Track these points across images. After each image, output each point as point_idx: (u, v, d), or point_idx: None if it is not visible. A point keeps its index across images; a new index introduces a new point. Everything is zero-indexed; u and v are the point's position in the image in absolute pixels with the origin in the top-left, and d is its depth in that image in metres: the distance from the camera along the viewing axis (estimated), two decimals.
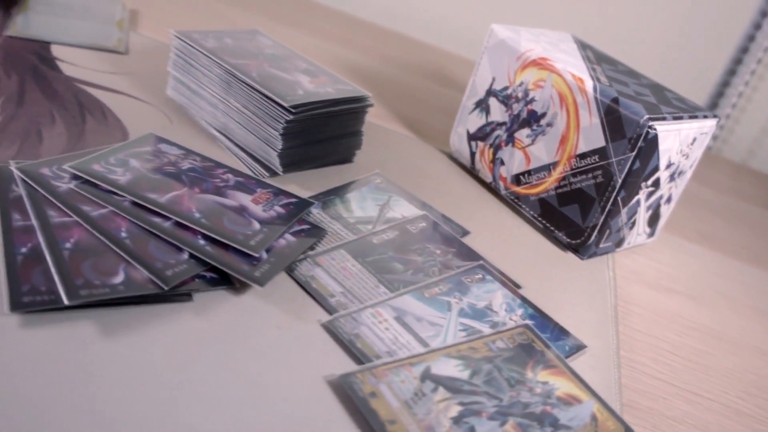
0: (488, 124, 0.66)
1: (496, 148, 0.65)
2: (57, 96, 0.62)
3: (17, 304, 0.41)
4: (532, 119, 0.62)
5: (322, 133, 0.60)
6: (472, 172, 0.69)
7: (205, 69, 0.61)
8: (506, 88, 0.64)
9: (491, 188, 0.67)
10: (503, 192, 0.65)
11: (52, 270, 0.43)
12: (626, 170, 0.57)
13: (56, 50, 0.69)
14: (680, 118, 0.58)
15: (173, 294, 0.45)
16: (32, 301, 0.42)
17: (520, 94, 0.63)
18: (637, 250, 0.67)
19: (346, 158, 0.64)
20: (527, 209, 0.64)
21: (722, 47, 1.03)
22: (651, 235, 0.66)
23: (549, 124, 0.61)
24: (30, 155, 0.53)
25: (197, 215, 0.50)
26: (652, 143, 0.56)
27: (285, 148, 0.58)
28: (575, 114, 0.59)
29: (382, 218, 0.58)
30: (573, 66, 0.61)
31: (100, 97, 0.63)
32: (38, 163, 0.52)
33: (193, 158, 0.57)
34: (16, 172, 0.50)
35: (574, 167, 0.60)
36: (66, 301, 0.41)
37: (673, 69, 1.05)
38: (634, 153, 0.56)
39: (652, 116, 0.56)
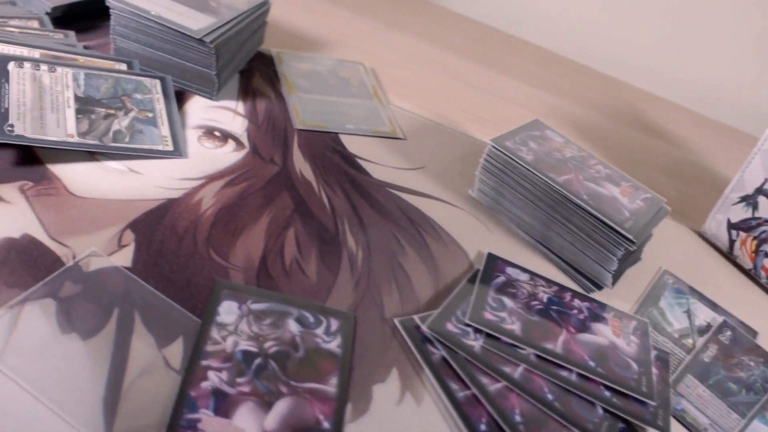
0: (754, 218, 0.71)
1: (761, 241, 0.71)
2: (385, 211, 0.62)
3: None
4: None
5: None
6: (728, 256, 0.74)
7: (525, 182, 0.63)
8: None
9: (749, 274, 0.73)
10: (763, 280, 0.72)
11: None
12: None
13: (346, 142, 0.69)
14: None
15: None
16: None
17: None
18: None
19: (638, 257, 0.68)
20: None
21: None
22: None
23: None
24: (411, 299, 0.55)
25: (592, 364, 0.54)
26: None
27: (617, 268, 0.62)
28: None
29: (695, 328, 0.64)
30: None
31: (416, 204, 0.64)
32: (439, 318, 0.54)
33: (540, 284, 0.60)
34: (428, 333, 0.52)
35: None
36: None
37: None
38: None
39: None
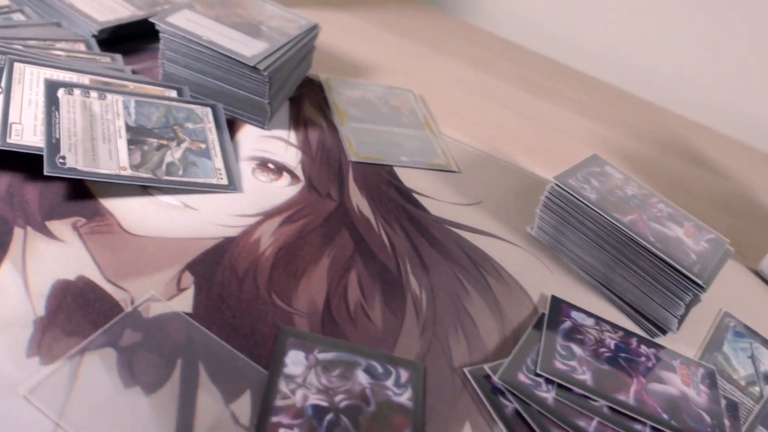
0: None
1: None
2: (446, 250, 0.60)
3: None
4: None
5: None
6: None
7: (589, 222, 0.61)
8: None
9: None
10: None
11: None
12: None
13: (402, 175, 0.67)
14: None
15: None
16: None
17: None
18: None
19: (699, 298, 0.66)
20: None
21: None
22: None
23: None
24: (479, 346, 0.53)
25: (665, 416, 0.52)
26: None
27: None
28: None
29: (760, 374, 0.62)
30: None
31: (475, 242, 0.62)
32: (510, 368, 0.52)
33: (606, 329, 0.58)
34: (500, 384, 0.50)
35: None
36: None
37: None
38: None
39: None
